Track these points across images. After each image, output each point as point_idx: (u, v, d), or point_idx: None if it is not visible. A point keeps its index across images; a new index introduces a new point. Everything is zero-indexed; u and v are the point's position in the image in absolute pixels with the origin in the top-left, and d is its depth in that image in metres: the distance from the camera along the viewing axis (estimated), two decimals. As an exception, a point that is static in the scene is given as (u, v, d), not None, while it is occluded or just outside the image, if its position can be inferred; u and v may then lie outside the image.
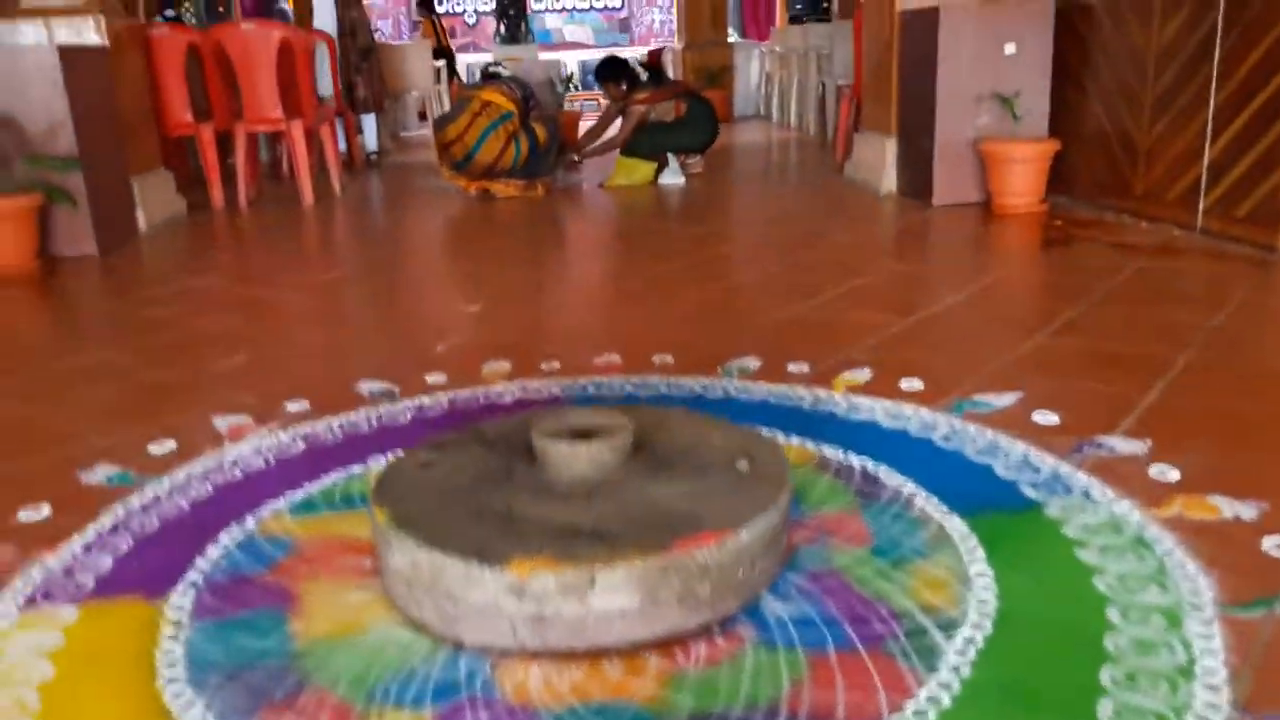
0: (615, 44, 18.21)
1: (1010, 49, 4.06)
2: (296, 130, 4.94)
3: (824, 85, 7.62)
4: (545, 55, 17.26)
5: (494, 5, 7.83)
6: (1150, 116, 3.61)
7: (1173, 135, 3.50)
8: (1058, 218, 3.83)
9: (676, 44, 10.17)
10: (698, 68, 9.70)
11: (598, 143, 5.87)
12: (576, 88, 17.50)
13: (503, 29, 7.63)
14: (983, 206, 4.10)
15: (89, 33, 4.22)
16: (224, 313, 2.96)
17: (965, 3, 4.13)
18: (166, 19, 13.40)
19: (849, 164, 5.21)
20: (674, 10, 16.92)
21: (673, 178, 5.47)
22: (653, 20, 18.16)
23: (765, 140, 7.90)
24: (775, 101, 9.23)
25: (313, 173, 5.16)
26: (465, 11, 17.83)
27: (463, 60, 16.75)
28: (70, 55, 3.86)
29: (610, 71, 5.81)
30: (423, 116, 9.82)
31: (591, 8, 18.27)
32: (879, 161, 4.73)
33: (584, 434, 1.33)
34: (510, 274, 3.44)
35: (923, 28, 4.19)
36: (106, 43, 4.25)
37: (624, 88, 5.77)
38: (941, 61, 4.07)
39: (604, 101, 5.99)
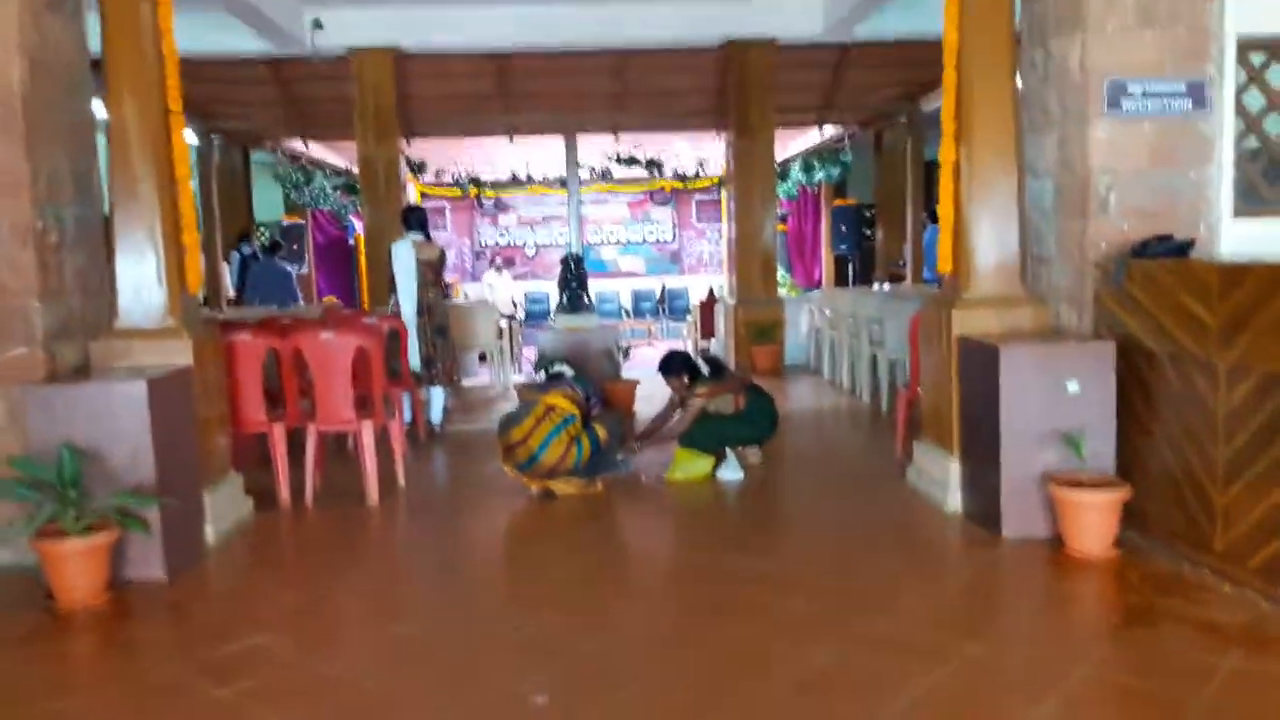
0: (666, 273, 18.94)
1: (1074, 387, 4.08)
2: (367, 433, 5.07)
3: (876, 356, 7.74)
4: (602, 282, 18.12)
5: (557, 276, 8.14)
6: (1225, 475, 3.56)
7: (1252, 500, 3.43)
8: (1134, 569, 3.73)
9: (728, 298, 10.47)
10: (748, 322, 9.95)
11: (657, 429, 5.97)
12: (628, 314, 18.11)
13: (565, 299, 7.91)
14: (1053, 545, 4.00)
15: (177, 354, 4.43)
16: (284, 699, 2.90)
17: (1024, 341, 4.21)
18: (245, 256, 14.25)
19: (911, 469, 5.19)
20: (721, 243, 17.70)
21: (731, 473, 5.48)
22: (701, 252, 18.90)
23: (818, 408, 7.95)
24: (826, 356, 9.37)
25: (378, 458, 5.25)
26: (526, 244, 18.70)
27: (520, 287, 17.54)
28: (157, 384, 4.03)
29: (673, 366, 5.99)
30: (483, 359, 10.14)
31: (644, 241, 19.07)
32: (943, 477, 4.69)
33: None
34: (579, 639, 3.39)
35: (983, 360, 4.25)
36: (192, 362, 4.45)
37: (686, 381, 5.91)
38: (1004, 399, 4.09)
39: (665, 391, 6.13)
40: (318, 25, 9.29)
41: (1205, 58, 4.39)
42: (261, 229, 14.22)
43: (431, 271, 6.90)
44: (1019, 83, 4.86)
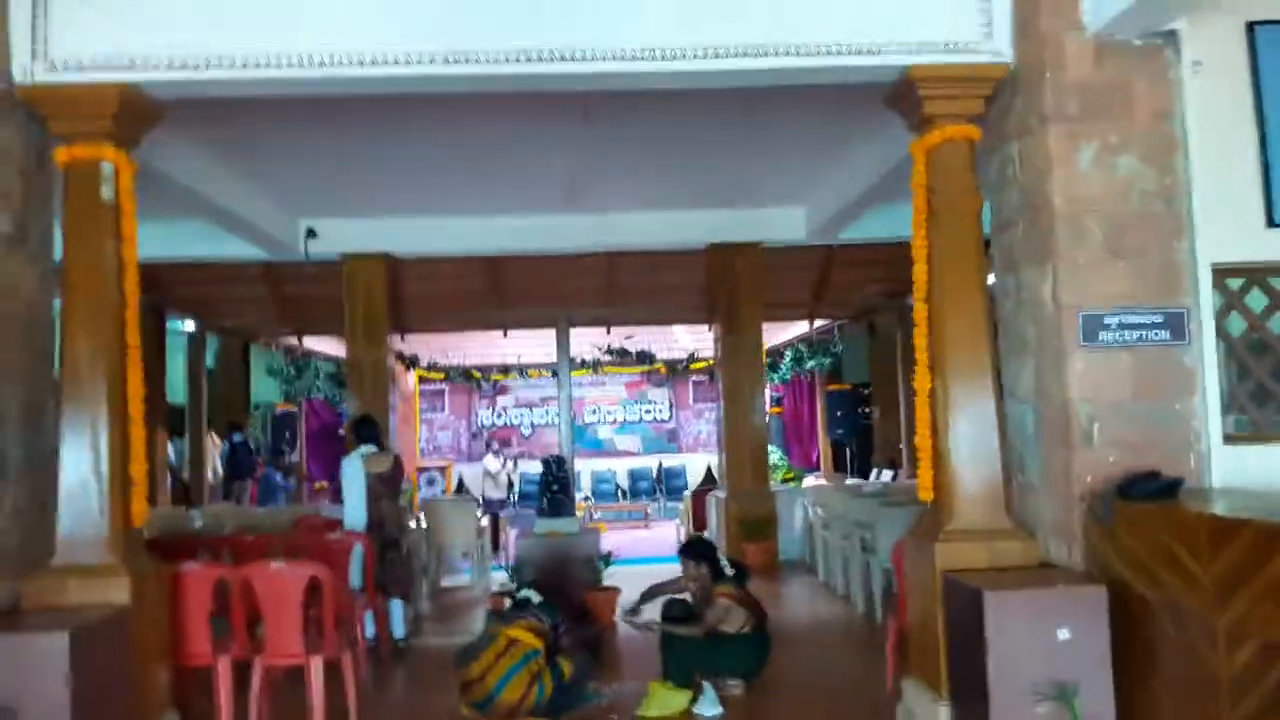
0: (663, 452, 18.76)
1: (1064, 634, 3.80)
2: (316, 668, 4.76)
3: (869, 564, 7.43)
4: (597, 461, 17.99)
5: (539, 482, 7.96)
6: (1237, 749, 3.24)
7: (1266, 780, 3.10)
8: None
9: (720, 492, 10.25)
10: (741, 518, 9.67)
11: (677, 626, 5.55)
12: (624, 494, 17.80)
13: (545, 504, 7.70)
14: (1055, 817, 3.63)
15: (116, 592, 4.19)
16: None
17: (1011, 584, 3.97)
18: (235, 444, 14.14)
19: (901, 708, 4.82)
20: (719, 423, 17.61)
21: (710, 709, 5.11)
22: (699, 432, 18.79)
23: (811, 618, 7.59)
24: (820, 556, 9.04)
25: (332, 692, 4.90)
26: (521, 424, 18.63)
27: (523, 467, 17.31)
28: (82, 634, 3.77)
29: (697, 552, 5.73)
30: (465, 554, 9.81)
31: (641, 420, 18.99)
32: (933, 723, 4.35)
33: None
34: None
35: (967, 600, 3.99)
36: (129, 601, 4.20)
37: (704, 571, 5.64)
38: (991, 647, 3.81)
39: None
40: (312, 235, 9.49)
41: (1180, 288, 4.34)
42: (254, 415, 14.23)
43: (382, 484, 6.73)
44: (997, 308, 4.83)
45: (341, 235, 9.61)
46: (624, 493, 18.10)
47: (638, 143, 7.66)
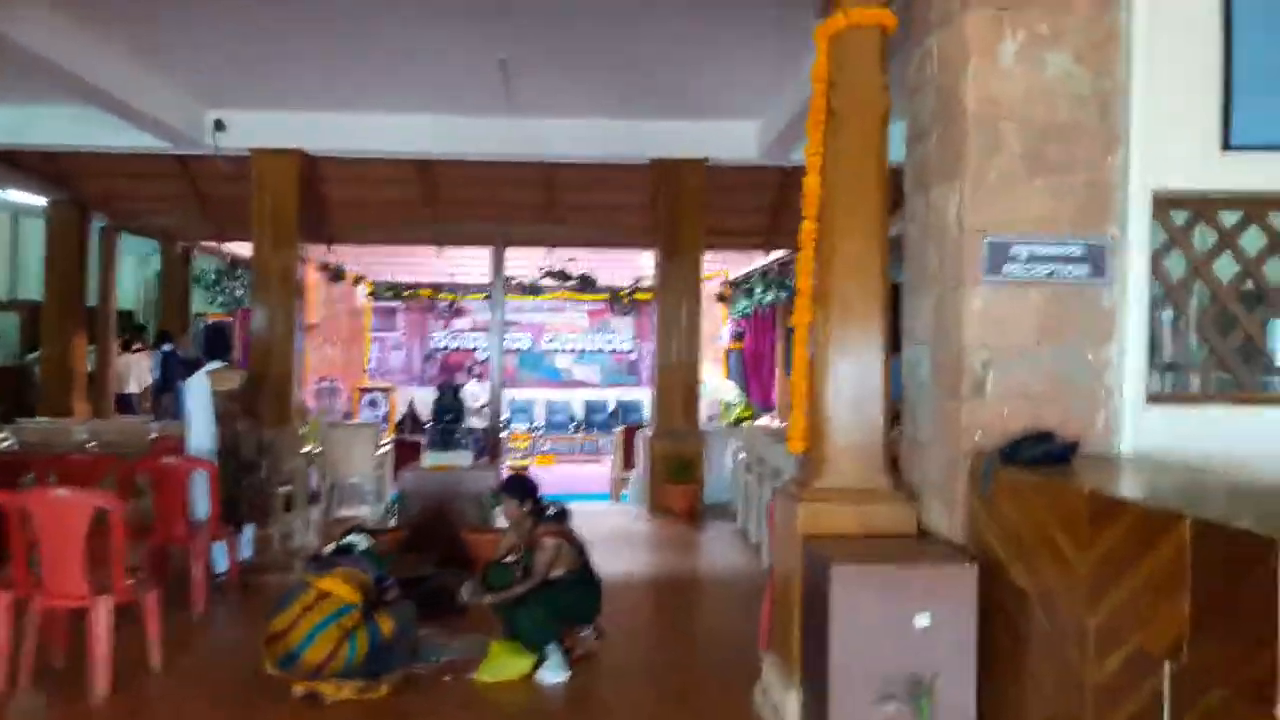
0: (621, 384, 18.14)
1: (923, 621, 3.19)
2: (100, 611, 4.16)
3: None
4: (553, 391, 17.29)
5: (431, 407, 7.32)
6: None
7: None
8: None
9: (648, 430, 9.63)
10: (665, 457, 9.07)
11: (507, 593, 4.91)
12: (580, 426, 17.20)
13: (437, 435, 7.08)
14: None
15: None
16: None
17: (865, 557, 3.35)
18: (165, 354, 13.46)
19: (758, 687, 4.25)
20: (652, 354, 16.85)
21: (553, 674, 4.54)
22: (662, 364, 18.15)
23: (710, 569, 7.06)
24: (741, 501, 8.48)
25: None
26: (477, 349, 17.85)
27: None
28: None
29: (515, 487, 5.11)
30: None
31: (602, 350, 18.33)
32: (782, 706, 3.78)
33: None
34: None
35: (819, 572, 3.37)
36: None
37: (526, 511, 5.04)
38: (834, 629, 3.20)
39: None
40: (220, 127, 8.72)
41: (1107, 215, 3.64)
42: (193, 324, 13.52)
43: (232, 401, 6.10)
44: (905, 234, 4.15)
45: (252, 129, 8.84)
46: (580, 425, 17.53)
47: (572, 39, 6.92)
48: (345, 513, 8.68)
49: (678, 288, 9.28)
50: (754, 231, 11.14)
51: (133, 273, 15.60)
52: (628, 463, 10.49)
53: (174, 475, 5.55)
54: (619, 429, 10.96)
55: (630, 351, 18.37)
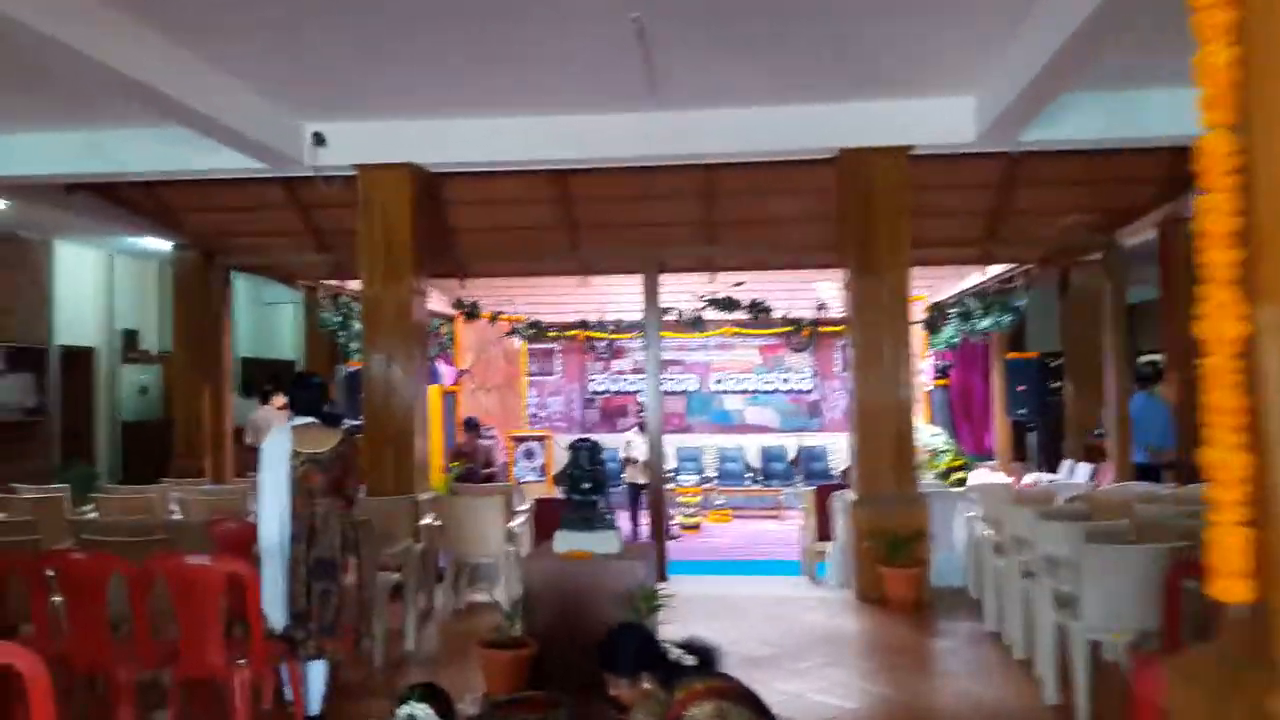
0: (803, 429, 16.02)
1: None
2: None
3: (1067, 629, 4.67)
4: (725, 438, 15.39)
5: (565, 470, 5.54)
6: None
7: None
8: None
9: (849, 493, 7.54)
10: (875, 532, 6.98)
11: None
12: (756, 478, 15.09)
13: (571, 509, 5.31)
14: None
15: None
16: None
17: None
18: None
19: None
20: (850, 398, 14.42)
21: None
22: (845, 404, 15.86)
23: (964, 699, 4.90)
24: (990, 591, 6.28)
25: None
26: (640, 392, 16.21)
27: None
28: None
29: (616, 660, 3.27)
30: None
31: (777, 390, 16.29)
32: None
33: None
34: None
35: None
36: None
37: (653, 685, 3.17)
38: None
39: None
40: (319, 141, 7.41)
41: None
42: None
43: (322, 474, 4.52)
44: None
45: (356, 141, 7.49)
46: (756, 475, 15.51)
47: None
48: (476, 597, 7.04)
49: (877, 312, 7.23)
50: (965, 241, 8.91)
51: (291, 320, 14.82)
52: (823, 532, 8.40)
53: (202, 581, 3.98)
54: (810, 489, 8.89)
55: (810, 391, 16.25)
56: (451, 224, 8.83)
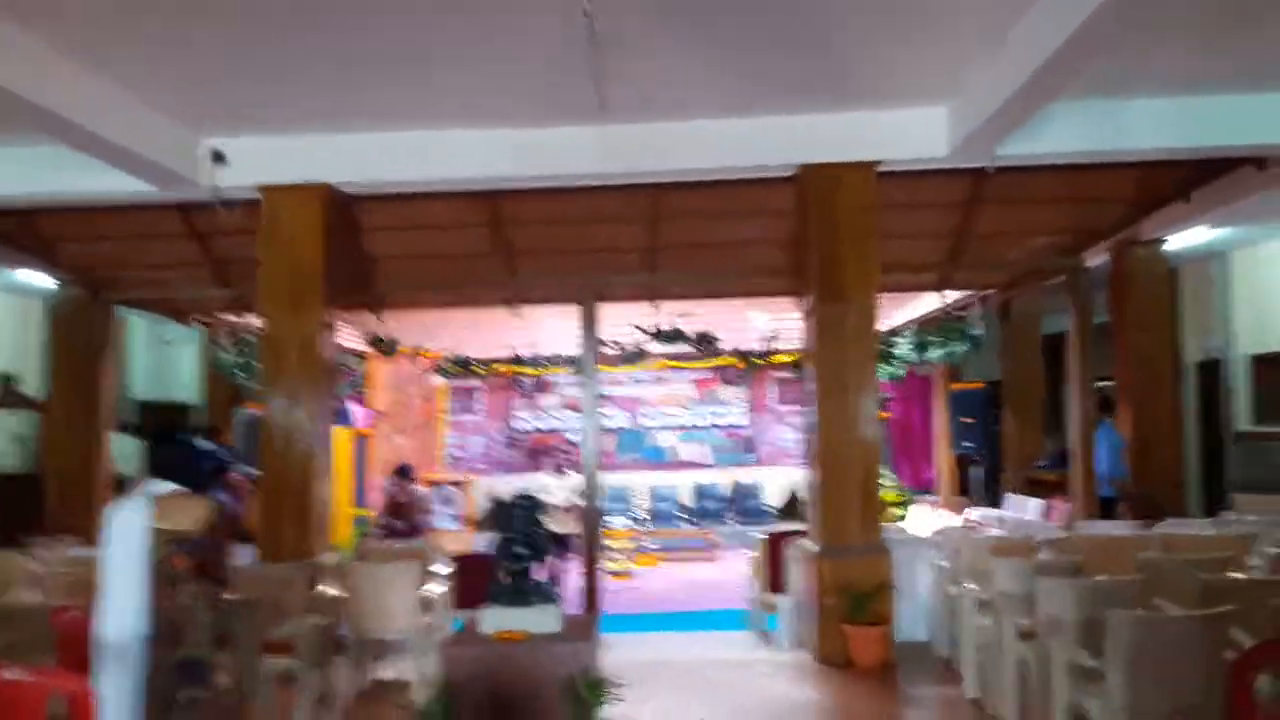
0: (739, 464, 15.42)
1: None
2: None
3: (1090, 706, 4.05)
4: (656, 475, 14.68)
5: (491, 537, 4.73)
6: None
7: None
8: None
9: (809, 542, 6.88)
10: (840, 586, 6.33)
11: None
12: (689, 518, 14.33)
13: (502, 578, 4.50)
14: None
15: None
16: None
17: None
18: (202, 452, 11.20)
19: None
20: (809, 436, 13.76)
21: None
22: (781, 440, 15.32)
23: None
24: (969, 648, 5.66)
25: None
26: (569, 431, 15.37)
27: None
28: None
29: None
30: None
31: (712, 425, 15.68)
32: None
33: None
34: None
35: None
36: None
37: None
38: None
39: None
40: (219, 159, 6.54)
41: None
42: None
43: (187, 556, 3.66)
44: None
45: (260, 160, 6.63)
46: (689, 515, 14.80)
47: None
48: (383, 674, 6.14)
49: (841, 343, 6.63)
50: (924, 266, 8.42)
51: (191, 360, 13.63)
52: (775, 584, 7.70)
53: (21, 702, 3.07)
54: (762, 537, 8.17)
55: (745, 427, 15.67)
56: (369, 251, 7.98)
